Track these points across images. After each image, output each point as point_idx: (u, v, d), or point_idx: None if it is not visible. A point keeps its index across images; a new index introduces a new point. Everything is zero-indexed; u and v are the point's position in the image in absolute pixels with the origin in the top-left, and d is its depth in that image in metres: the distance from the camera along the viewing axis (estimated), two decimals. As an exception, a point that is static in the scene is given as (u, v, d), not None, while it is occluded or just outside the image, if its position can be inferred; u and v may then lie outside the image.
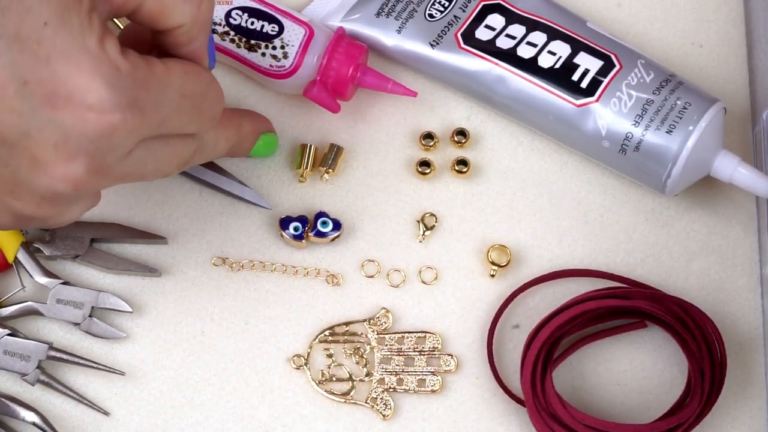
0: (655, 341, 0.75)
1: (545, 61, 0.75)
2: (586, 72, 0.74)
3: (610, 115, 0.73)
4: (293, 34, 0.75)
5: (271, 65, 0.75)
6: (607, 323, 0.75)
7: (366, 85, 0.76)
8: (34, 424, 0.72)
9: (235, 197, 0.76)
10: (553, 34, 0.76)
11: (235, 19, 0.75)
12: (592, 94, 0.74)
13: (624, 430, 0.70)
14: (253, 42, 0.75)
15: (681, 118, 0.73)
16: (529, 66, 0.75)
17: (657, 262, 0.76)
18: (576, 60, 0.75)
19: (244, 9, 0.75)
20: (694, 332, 0.72)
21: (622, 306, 0.73)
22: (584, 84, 0.74)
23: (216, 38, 0.76)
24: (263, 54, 0.75)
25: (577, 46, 0.75)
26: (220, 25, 0.75)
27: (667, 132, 0.72)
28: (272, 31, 0.75)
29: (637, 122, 0.73)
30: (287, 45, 0.75)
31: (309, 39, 0.75)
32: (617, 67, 0.74)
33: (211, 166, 0.76)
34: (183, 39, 0.62)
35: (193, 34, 0.62)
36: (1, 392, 0.72)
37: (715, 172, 0.73)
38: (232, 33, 0.75)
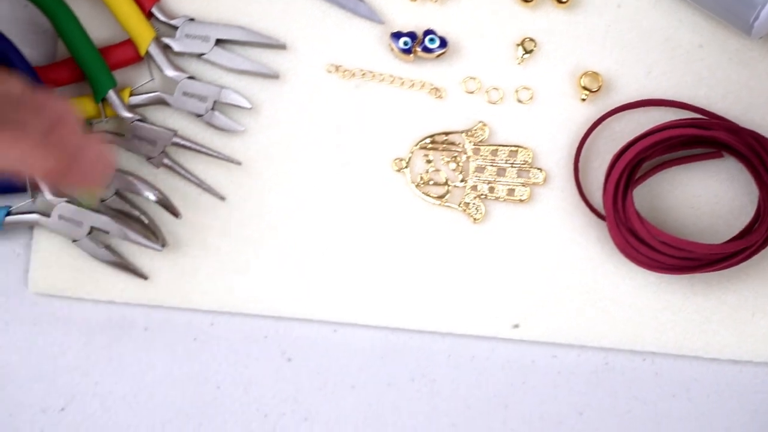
0: (729, 171, 0.81)
1: None
2: None
3: (707, -44, 0.78)
4: None
5: None
6: (686, 151, 0.81)
7: None
8: (156, 201, 0.79)
9: (350, 10, 0.82)
10: None
11: None
12: (692, -65, 0.79)
13: (695, 248, 0.76)
14: None
15: (774, -38, 0.77)
16: None
17: (737, 98, 0.81)
18: None
19: None
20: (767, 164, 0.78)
21: (701, 135, 0.78)
22: (685, -75, 0.79)
23: None
24: None
25: None
26: None
27: (760, -26, 0.77)
28: None
29: (732, -36, 0.78)
30: None
31: None
32: None
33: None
34: None
35: None
36: (129, 171, 0.80)
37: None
38: None
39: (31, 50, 0.82)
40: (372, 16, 0.82)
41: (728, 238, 0.79)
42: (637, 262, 0.78)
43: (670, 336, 0.80)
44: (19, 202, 0.79)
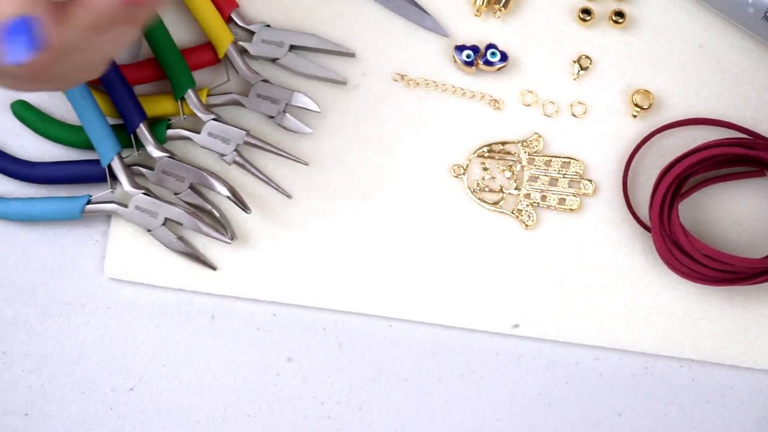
0: (771, 189, 0.85)
1: (706, -69, 0.84)
2: (741, -56, 0.83)
3: (758, -16, 0.83)
4: None
5: None
6: (731, 169, 0.85)
7: (543, -65, 0.86)
8: (227, 197, 0.83)
9: (417, 23, 0.86)
10: None
11: None
12: (744, -35, 0.83)
13: (736, 261, 0.80)
14: None
15: (823, -6, 0.81)
16: (691, -67, 0.84)
17: (782, 120, 0.86)
18: (734, -68, 0.83)
19: None
20: (808, 184, 0.82)
21: (746, 155, 0.82)
22: (739, -45, 0.83)
23: None
24: None
25: None
26: None
27: (809, 5, 0.81)
28: None
29: (782, -6, 0.82)
30: None
31: None
32: (770, -58, 0.83)
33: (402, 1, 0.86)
34: None
35: None
36: (203, 167, 0.84)
37: None
38: None
39: (116, 50, 0.87)
40: (437, 29, 0.86)
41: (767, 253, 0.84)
42: (679, 273, 0.82)
43: (708, 344, 0.84)
44: (99, 191, 0.84)
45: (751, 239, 0.84)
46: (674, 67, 0.86)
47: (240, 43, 0.85)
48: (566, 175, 0.85)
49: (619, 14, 0.86)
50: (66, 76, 0.67)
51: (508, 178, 0.85)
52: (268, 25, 0.86)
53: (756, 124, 0.85)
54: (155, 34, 0.83)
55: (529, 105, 0.86)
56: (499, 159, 0.85)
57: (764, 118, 0.85)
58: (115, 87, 0.83)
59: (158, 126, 0.84)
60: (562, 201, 0.85)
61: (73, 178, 0.84)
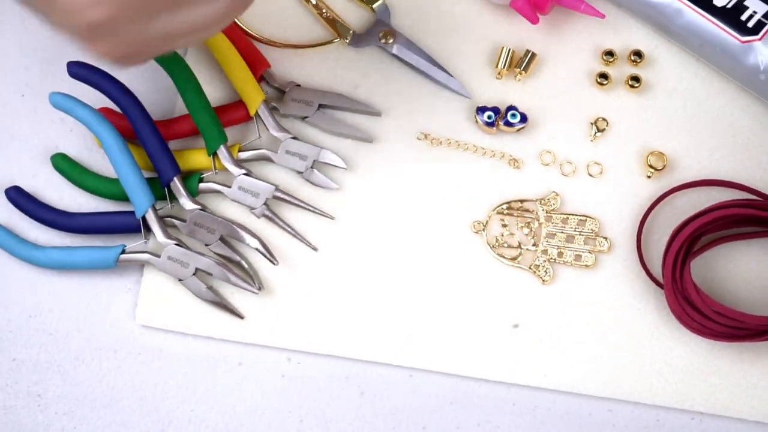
0: (780, 249, 0.88)
1: (719, 1, 0.87)
2: (753, 14, 0.87)
3: (769, 53, 0.86)
4: (508, -47, 0.88)
5: (485, -23, 0.89)
6: (742, 228, 0.88)
7: (563, 3, 0.89)
8: (256, 249, 0.87)
9: (441, 85, 0.90)
10: (728, -22, 0.88)
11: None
12: (756, 33, 0.86)
13: (746, 319, 0.83)
14: (473, -45, 0.89)
15: (831, 62, 0.85)
16: (704, 3, 0.87)
17: (791, 183, 0.89)
18: (746, 3, 0.87)
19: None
20: (816, 244, 0.85)
21: (757, 215, 0.85)
22: (751, 24, 0.86)
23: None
24: (480, -34, 0.89)
25: (748, -9, 0.87)
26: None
27: (817, 73, 0.85)
28: (491, -52, 0.89)
29: (792, 62, 0.85)
30: (502, -39, 0.88)
31: (521, -42, 0.88)
32: (781, 12, 0.87)
33: (424, 56, 0.89)
34: None
35: None
36: (233, 220, 0.88)
37: None
38: (456, -55, 0.89)
39: (153, 105, 0.90)
40: (461, 91, 0.90)
41: (777, 311, 0.86)
42: (691, 329, 0.85)
43: (718, 398, 0.86)
44: (133, 242, 0.87)
45: (761, 297, 0.87)
46: (688, 130, 0.89)
47: (271, 101, 0.89)
48: (582, 233, 0.88)
49: (635, 79, 0.89)
50: (147, 39, 0.67)
51: (527, 235, 0.88)
52: (298, 85, 0.90)
53: (766, 186, 0.88)
54: (189, 91, 0.87)
55: (547, 164, 0.89)
56: (518, 216, 0.88)
57: (774, 181, 0.89)
58: (150, 142, 0.86)
59: (191, 179, 0.88)
60: (578, 257, 0.88)
61: (108, 229, 0.87)
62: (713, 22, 0.87)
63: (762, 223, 0.87)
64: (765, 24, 0.86)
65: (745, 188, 0.88)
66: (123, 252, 0.87)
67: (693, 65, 0.90)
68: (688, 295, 0.84)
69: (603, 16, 0.89)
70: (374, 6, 0.90)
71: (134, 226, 0.87)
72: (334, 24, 0.90)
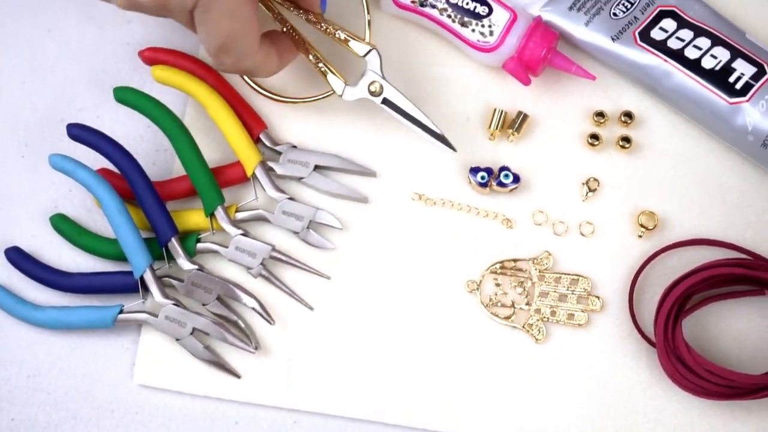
0: (770, 307, 0.89)
1: (707, 63, 0.89)
2: (741, 76, 0.88)
3: (757, 114, 0.87)
4: (500, 17, 0.90)
5: (478, 40, 0.90)
6: (733, 287, 0.89)
7: (554, 65, 0.91)
8: (253, 308, 0.88)
9: (429, 136, 0.89)
10: (716, 41, 0.89)
11: (454, -1, 0.91)
12: (744, 95, 0.88)
13: (737, 378, 0.84)
14: (466, 19, 0.90)
15: (818, 124, 0.86)
16: (693, 66, 0.89)
17: (780, 242, 0.90)
18: (734, 65, 0.88)
19: (462, -9, 0.91)
20: (805, 303, 0.86)
21: (747, 275, 0.87)
22: (738, 86, 0.88)
23: (434, 13, 0.91)
24: (473, 30, 0.90)
25: (735, 53, 0.89)
26: (440, 2, 0.90)
27: (804, 135, 0.86)
28: (483, 12, 0.90)
29: (779, 123, 0.87)
30: (494, 25, 0.90)
31: (512, 22, 0.90)
32: (768, 74, 0.88)
33: (413, 108, 0.89)
34: None
35: None
36: (230, 280, 0.89)
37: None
38: (449, 9, 0.90)
39: (151, 166, 0.92)
40: (453, 152, 0.91)
41: None
42: (683, 388, 0.86)
43: (711, 455, 0.87)
44: (131, 301, 0.88)
45: (752, 355, 0.88)
46: (678, 190, 0.91)
47: (267, 162, 0.90)
48: (575, 292, 0.89)
49: (626, 139, 0.91)
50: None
51: (520, 294, 0.89)
52: (295, 146, 0.91)
53: (756, 245, 0.90)
54: (187, 152, 0.88)
55: (540, 224, 0.91)
56: (511, 275, 0.89)
57: (763, 240, 0.90)
58: (148, 203, 0.88)
59: (188, 239, 0.89)
60: (570, 316, 0.89)
61: (106, 289, 0.88)
62: (702, 84, 0.89)
63: (752, 281, 0.88)
64: (752, 85, 0.88)
65: (735, 247, 0.89)
66: (121, 312, 0.88)
67: (683, 126, 0.92)
68: (680, 354, 0.85)
69: (594, 78, 0.91)
70: (367, 58, 0.89)
71: (132, 286, 0.88)
72: (330, 75, 0.91)
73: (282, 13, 0.90)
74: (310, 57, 0.90)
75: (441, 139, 0.90)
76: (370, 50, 0.89)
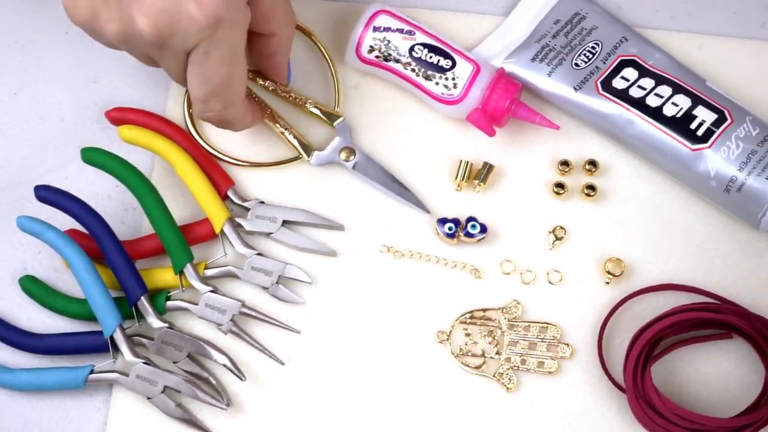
0: (738, 351, 0.89)
1: (669, 111, 0.90)
2: (702, 123, 0.89)
3: (719, 160, 0.88)
4: (463, 69, 0.91)
5: (442, 93, 0.91)
6: (700, 331, 0.89)
7: (518, 116, 0.92)
8: (224, 365, 0.88)
9: (401, 200, 0.92)
10: (677, 89, 0.90)
11: (416, 53, 0.91)
12: (705, 141, 0.89)
13: (707, 421, 0.84)
14: (429, 73, 0.91)
15: (779, 168, 0.87)
16: (655, 113, 0.90)
17: (746, 285, 0.90)
18: (695, 112, 0.90)
19: (425, 45, 0.91)
20: (773, 346, 0.86)
21: (714, 319, 0.87)
22: (700, 132, 0.89)
23: (399, 67, 0.92)
24: (437, 83, 0.91)
25: (696, 101, 0.90)
26: (404, 56, 0.91)
27: (766, 178, 0.87)
28: (447, 65, 0.91)
29: (741, 168, 0.88)
30: (458, 78, 0.91)
31: (476, 74, 0.91)
32: (729, 120, 0.89)
33: (383, 173, 0.91)
34: (273, 47, 0.86)
35: (282, 45, 0.86)
36: (200, 337, 0.89)
37: (803, 216, 0.88)
38: (413, 64, 0.91)
39: (120, 225, 0.92)
40: (419, 206, 0.91)
41: (737, 412, 0.87)
42: (654, 432, 0.86)
43: (685, 500, 0.87)
44: (101, 361, 0.88)
45: (721, 399, 0.89)
46: (644, 236, 0.92)
47: (236, 218, 0.91)
48: (544, 340, 0.89)
49: (591, 188, 0.92)
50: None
51: (489, 343, 0.90)
52: (262, 202, 0.92)
53: (722, 289, 0.90)
54: (155, 210, 0.88)
55: (508, 273, 0.91)
56: (481, 325, 0.90)
57: (730, 283, 0.90)
58: (117, 262, 0.88)
59: (158, 298, 0.89)
60: (540, 364, 0.89)
61: (77, 349, 0.88)
62: (664, 131, 0.90)
63: (719, 325, 0.89)
64: (714, 132, 0.89)
65: (702, 291, 0.90)
66: (92, 372, 0.88)
67: (646, 172, 0.93)
68: (650, 399, 0.86)
69: (557, 128, 0.92)
70: (335, 124, 0.92)
71: (103, 345, 0.88)
72: (297, 142, 0.92)
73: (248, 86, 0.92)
74: (277, 125, 0.91)
75: (414, 201, 0.91)
76: (340, 120, 0.91)
